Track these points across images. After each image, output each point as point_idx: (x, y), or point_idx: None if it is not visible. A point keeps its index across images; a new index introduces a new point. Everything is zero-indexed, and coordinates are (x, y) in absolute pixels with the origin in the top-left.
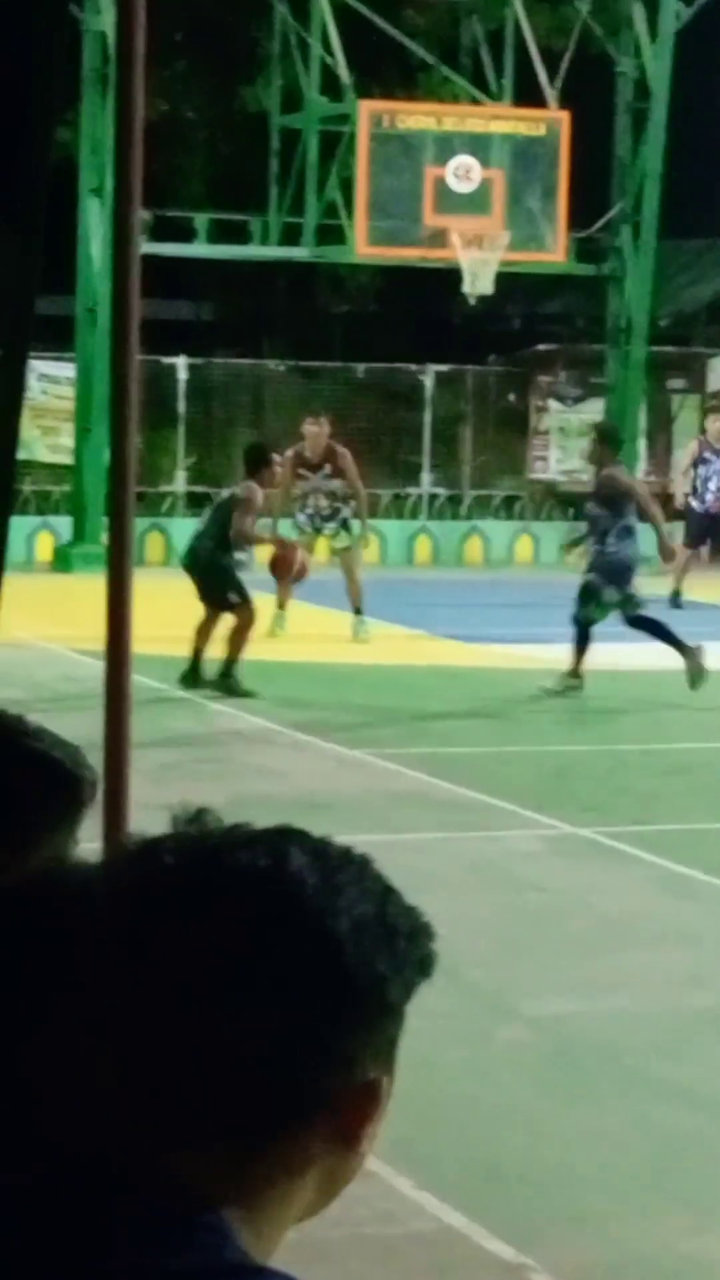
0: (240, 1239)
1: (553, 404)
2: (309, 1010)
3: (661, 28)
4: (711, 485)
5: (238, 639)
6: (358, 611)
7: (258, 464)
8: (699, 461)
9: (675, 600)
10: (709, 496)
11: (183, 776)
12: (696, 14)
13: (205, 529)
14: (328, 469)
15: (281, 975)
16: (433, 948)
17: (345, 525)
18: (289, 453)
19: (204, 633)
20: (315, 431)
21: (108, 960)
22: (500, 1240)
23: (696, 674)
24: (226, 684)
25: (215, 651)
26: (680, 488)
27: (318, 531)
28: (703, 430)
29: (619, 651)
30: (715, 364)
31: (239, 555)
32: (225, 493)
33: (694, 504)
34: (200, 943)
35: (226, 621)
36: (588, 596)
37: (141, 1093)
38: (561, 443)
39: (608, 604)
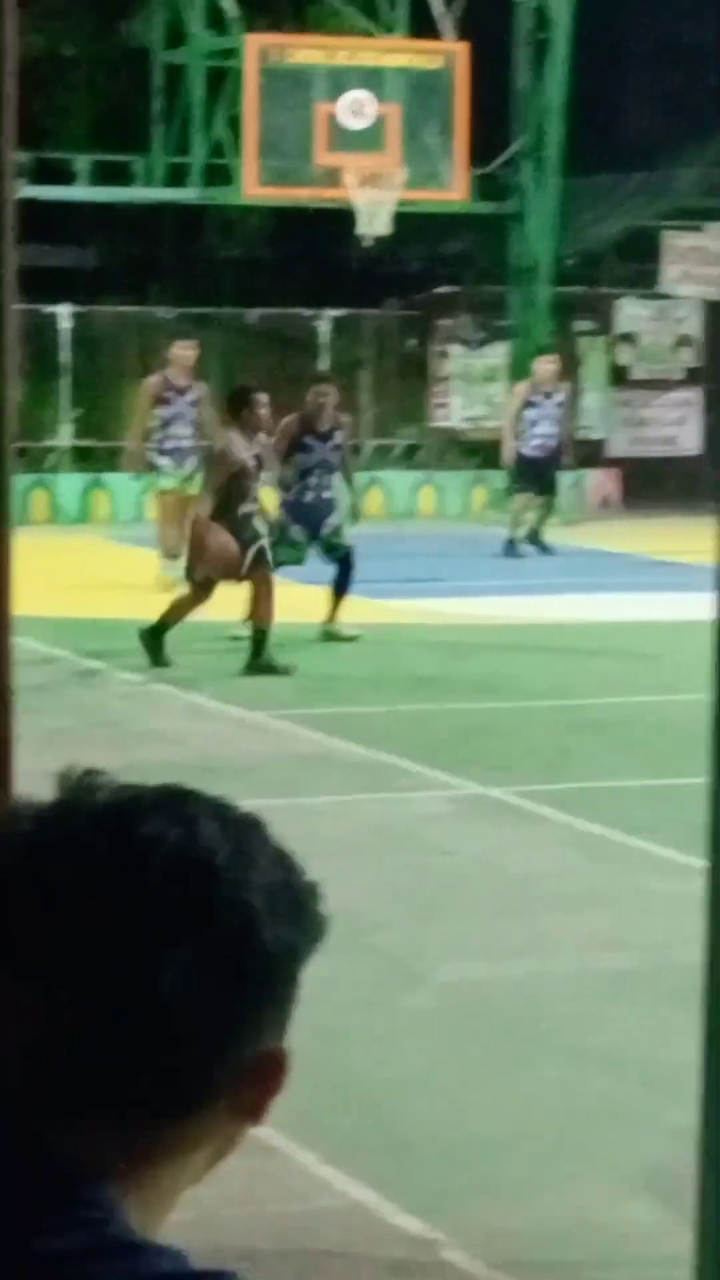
0: (131, 1216)
1: (454, 349)
2: (225, 985)
3: None
4: (538, 430)
5: (261, 610)
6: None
7: (238, 407)
8: (528, 405)
9: (535, 541)
10: (534, 441)
11: (74, 742)
12: None
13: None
14: (337, 439)
15: (198, 951)
16: (325, 911)
17: (337, 533)
18: (291, 418)
19: (180, 609)
20: (327, 397)
21: (10, 932)
22: (410, 1214)
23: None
24: (258, 664)
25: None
26: (508, 435)
27: (313, 538)
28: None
29: (533, 604)
30: (623, 304)
31: (247, 508)
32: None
33: (523, 450)
34: (111, 917)
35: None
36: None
37: (51, 1074)
38: (464, 389)
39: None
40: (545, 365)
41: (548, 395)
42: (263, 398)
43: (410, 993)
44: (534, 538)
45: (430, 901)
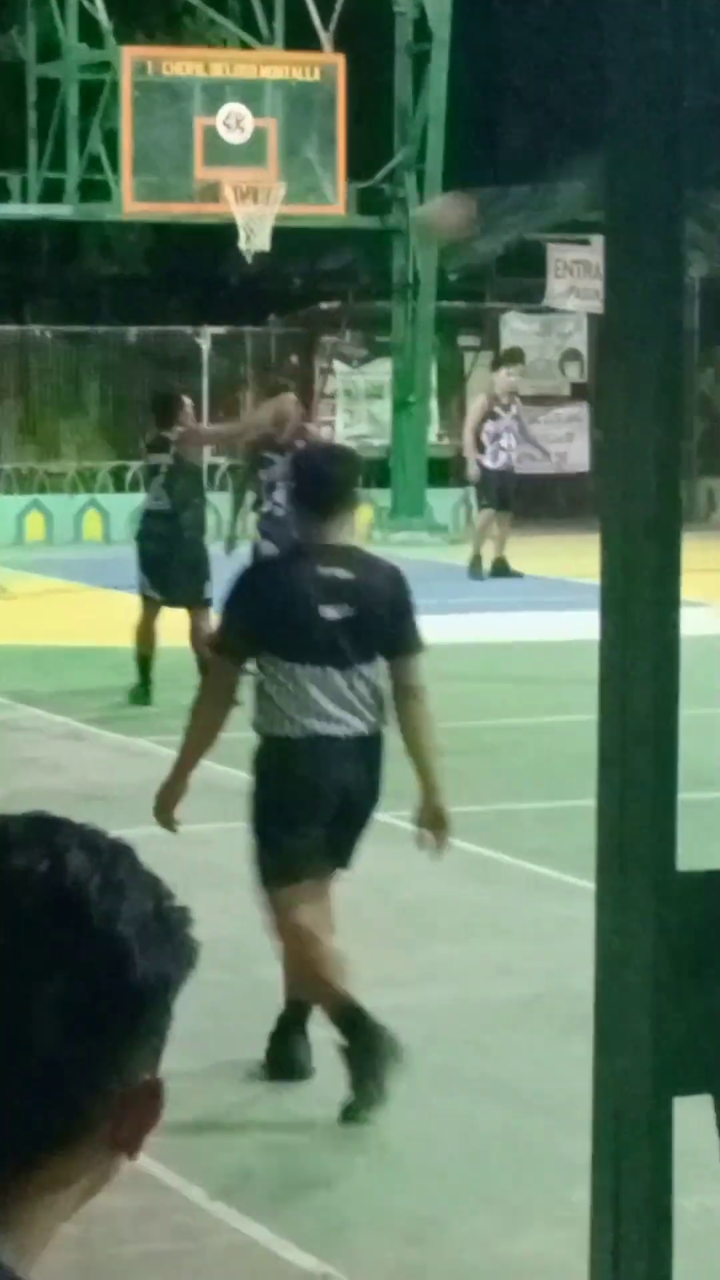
0: (3, 1254)
1: (338, 365)
2: (97, 1018)
3: None
4: (503, 442)
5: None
6: None
7: (169, 413)
8: (488, 418)
9: (475, 570)
10: (501, 455)
11: None
12: None
13: (169, 507)
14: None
15: (69, 988)
16: (197, 937)
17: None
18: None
19: (149, 634)
20: (290, 404)
21: None
22: (303, 1250)
23: None
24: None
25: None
26: (470, 449)
27: None
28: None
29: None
30: (508, 319)
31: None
32: (164, 460)
33: (486, 463)
34: None
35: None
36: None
37: None
38: (348, 406)
39: None
40: (506, 377)
41: (505, 408)
42: (188, 401)
43: (256, 995)
44: (503, 565)
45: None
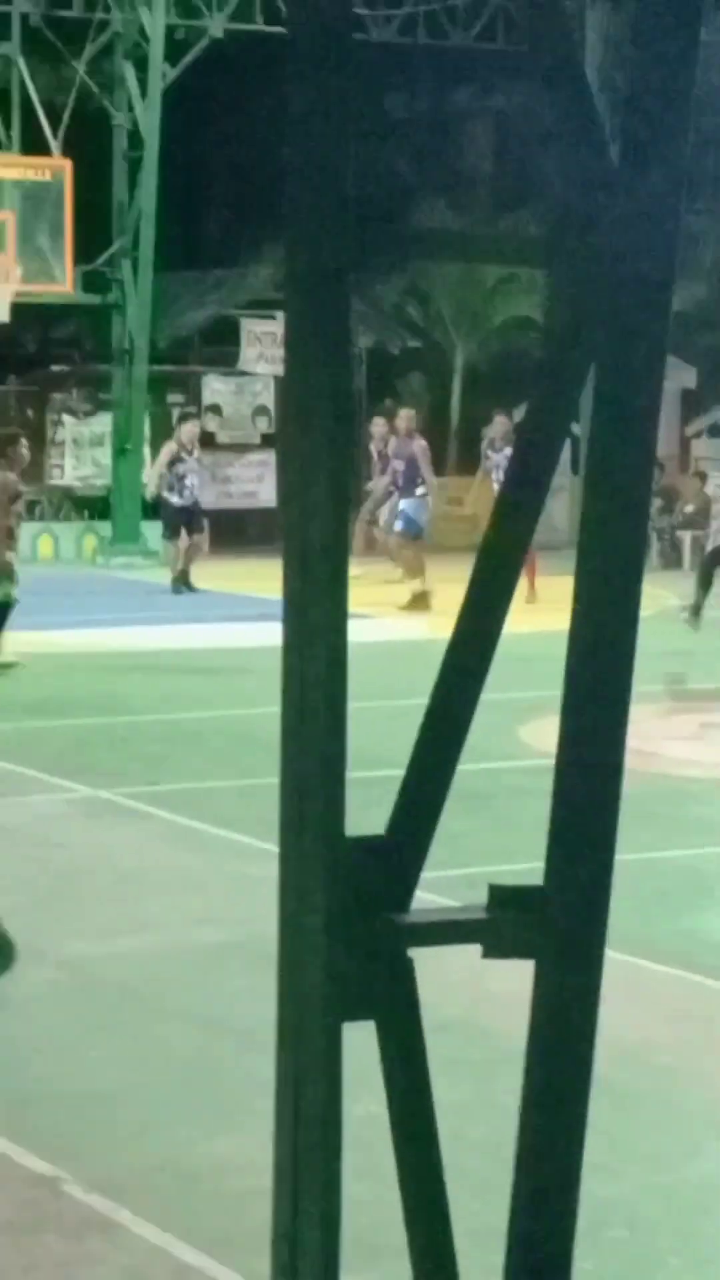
0: None
1: (66, 418)
2: None
3: (150, 85)
4: (188, 481)
5: None
6: None
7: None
8: (175, 461)
9: (178, 587)
10: (186, 491)
11: None
12: (181, 72)
13: None
14: None
15: None
16: None
17: None
18: None
19: None
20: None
21: None
22: (35, 1156)
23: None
24: None
25: None
26: (151, 484)
27: None
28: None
29: (138, 634)
30: (208, 380)
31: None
32: None
33: (172, 498)
34: None
35: None
36: None
37: None
38: (76, 452)
39: None
40: (190, 428)
41: (189, 453)
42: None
43: (34, 968)
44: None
45: (50, 890)
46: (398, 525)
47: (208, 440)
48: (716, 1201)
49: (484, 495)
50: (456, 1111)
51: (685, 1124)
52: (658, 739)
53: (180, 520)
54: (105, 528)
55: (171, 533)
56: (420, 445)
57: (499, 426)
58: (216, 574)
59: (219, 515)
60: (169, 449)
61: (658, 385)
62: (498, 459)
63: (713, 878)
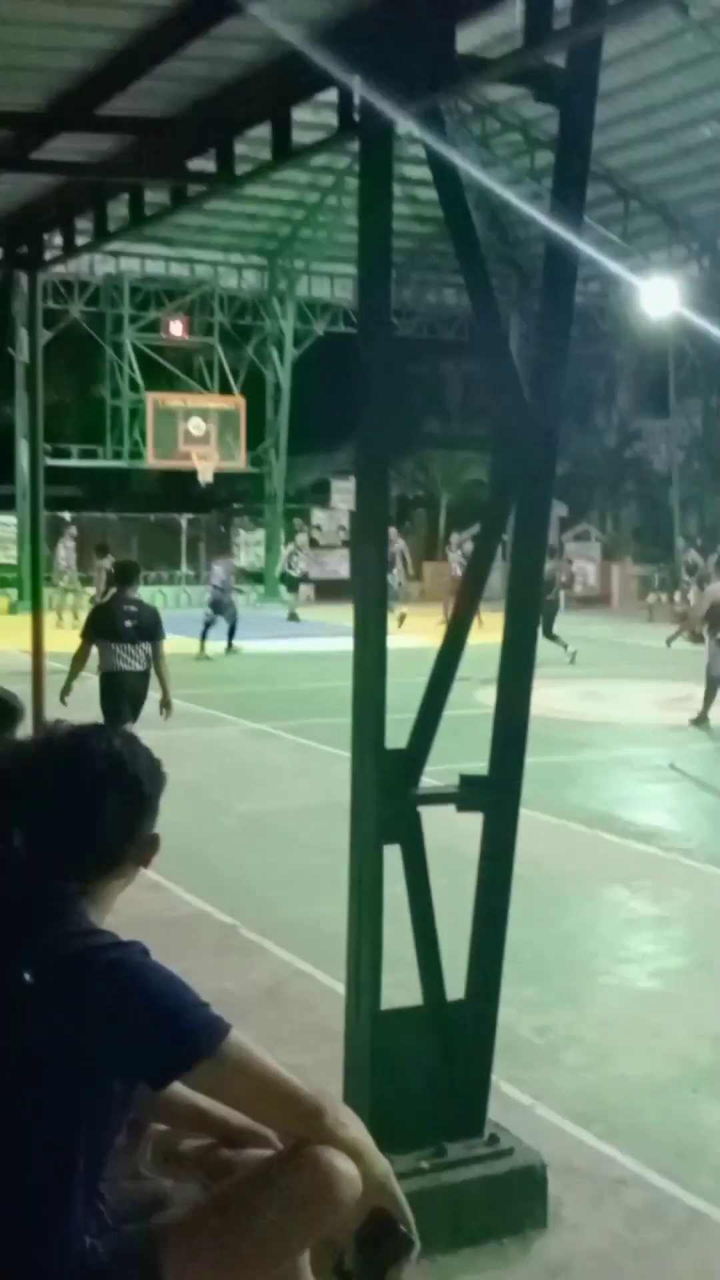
0: (91, 917)
1: (241, 531)
2: (129, 809)
3: (285, 358)
4: (294, 562)
5: None
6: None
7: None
8: (292, 554)
9: (292, 617)
10: (297, 569)
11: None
12: (301, 352)
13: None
14: None
15: (118, 795)
16: (167, 774)
17: None
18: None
19: None
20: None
21: (42, 787)
22: (224, 914)
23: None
24: None
25: None
26: (282, 564)
27: None
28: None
29: (275, 643)
30: (314, 512)
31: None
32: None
33: (291, 572)
34: (82, 782)
35: None
36: None
37: (55, 854)
38: (245, 549)
39: None
40: (300, 538)
41: (299, 549)
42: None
43: (222, 817)
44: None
45: (232, 774)
46: None
47: (314, 543)
48: (577, 939)
49: (445, 573)
50: (438, 893)
51: (560, 899)
52: (549, 699)
53: (294, 583)
54: (260, 589)
55: (292, 589)
56: (399, 547)
57: (456, 539)
58: (319, 612)
59: (319, 582)
60: (289, 548)
61: (547, 514)
62: (455, 556)
63: (574, 770)
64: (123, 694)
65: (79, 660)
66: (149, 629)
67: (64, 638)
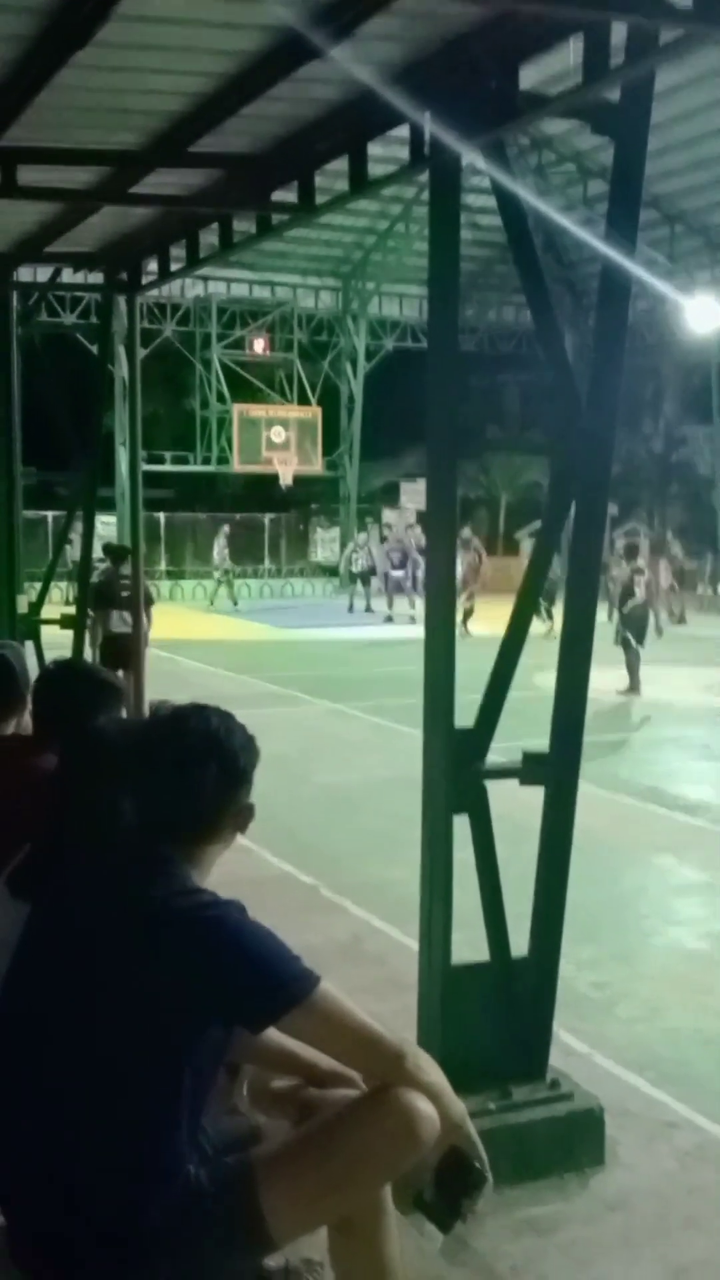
0: (194, 878)
1: (318, 529)
2: (227, 781)
3: (358, 371)
4: (360, 555)
5: None
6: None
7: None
8: (357, 549)
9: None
10: (362, 563)
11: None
12: (372, 366)
13: None
14: None
15: (217, 767)
16: (260, 750)
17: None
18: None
19: None
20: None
21: (149, 761)
22: (306, 875)
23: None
24: None
25: None
26: (360, 562)
27: None
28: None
29: (348, 630)
30: (384, 511)
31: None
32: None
33: (354, 567)
34: (184, 756)
35: None
36: None
37: (161, 822)
38: (321, 545)
39: None
40: (372, 529)
41: (362, 545)
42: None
43: (303, 787)
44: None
45: (311, 749)
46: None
47: (384, 540)
48: (630, 902)
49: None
50: (502, 859)
51: (613, 866)
52: (602, 681)
53: (365, 578)
54: (334, 582)
55: (363, 582)
56: (415, 535)
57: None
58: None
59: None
60: (349, 547)
61: (603, 513)
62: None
63: (626, 748)
64: (122, 648)
65: (92, 629)
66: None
67: (215, 623)
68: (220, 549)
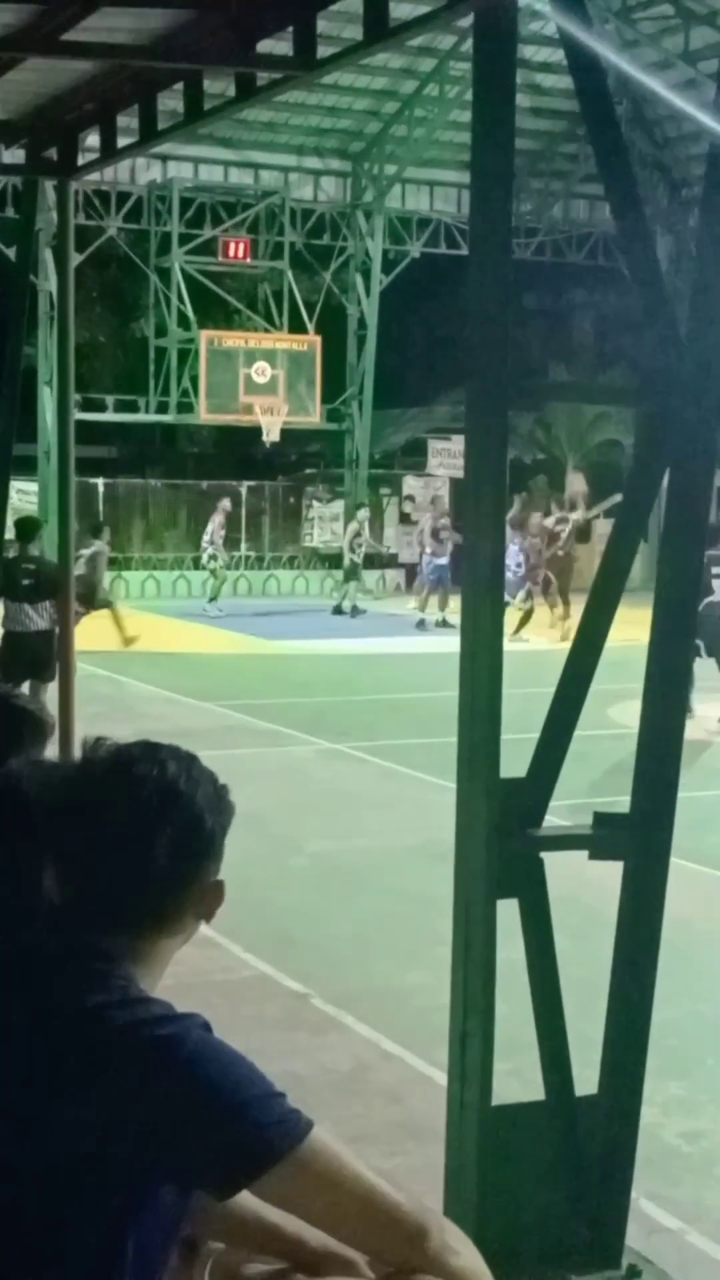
0: (140, 983)
1: (315, 503)
2: (188, 850)
3: (371, 287)
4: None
5: None
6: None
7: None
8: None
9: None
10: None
11: (105, 720)
12: (392, 279)
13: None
14: None
15: (173, 833)
16: (233, 804)
17: None
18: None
19: None
20: None
21: (80, 822)
22: (291, 979)
23: None
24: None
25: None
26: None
27: None
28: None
29: (357, 642)
30: (406, 479)
31: None
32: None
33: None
34: (125, 819)
35: None
36: None
37: (96, 904)
38: (320, 525)
39: None
40: (363, 513)
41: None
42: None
43: (292, 857)
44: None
45: (302, 806)
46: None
47: (405, 518)
48: None
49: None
50: (563, 957)
51: (715, 970)
52: (704, 720)
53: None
54: (338, 574)
55: (348, 576)
56: (441, 520)
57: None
58: (401, 604)
59: (412, 565)
60: (351, 528)
61: (709, 482)
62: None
63: None
64: (24, 653)
65: None
66: (49, 586)
67: (172, 630)
68: (211, 532)
